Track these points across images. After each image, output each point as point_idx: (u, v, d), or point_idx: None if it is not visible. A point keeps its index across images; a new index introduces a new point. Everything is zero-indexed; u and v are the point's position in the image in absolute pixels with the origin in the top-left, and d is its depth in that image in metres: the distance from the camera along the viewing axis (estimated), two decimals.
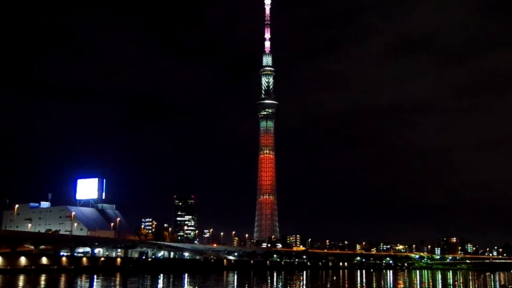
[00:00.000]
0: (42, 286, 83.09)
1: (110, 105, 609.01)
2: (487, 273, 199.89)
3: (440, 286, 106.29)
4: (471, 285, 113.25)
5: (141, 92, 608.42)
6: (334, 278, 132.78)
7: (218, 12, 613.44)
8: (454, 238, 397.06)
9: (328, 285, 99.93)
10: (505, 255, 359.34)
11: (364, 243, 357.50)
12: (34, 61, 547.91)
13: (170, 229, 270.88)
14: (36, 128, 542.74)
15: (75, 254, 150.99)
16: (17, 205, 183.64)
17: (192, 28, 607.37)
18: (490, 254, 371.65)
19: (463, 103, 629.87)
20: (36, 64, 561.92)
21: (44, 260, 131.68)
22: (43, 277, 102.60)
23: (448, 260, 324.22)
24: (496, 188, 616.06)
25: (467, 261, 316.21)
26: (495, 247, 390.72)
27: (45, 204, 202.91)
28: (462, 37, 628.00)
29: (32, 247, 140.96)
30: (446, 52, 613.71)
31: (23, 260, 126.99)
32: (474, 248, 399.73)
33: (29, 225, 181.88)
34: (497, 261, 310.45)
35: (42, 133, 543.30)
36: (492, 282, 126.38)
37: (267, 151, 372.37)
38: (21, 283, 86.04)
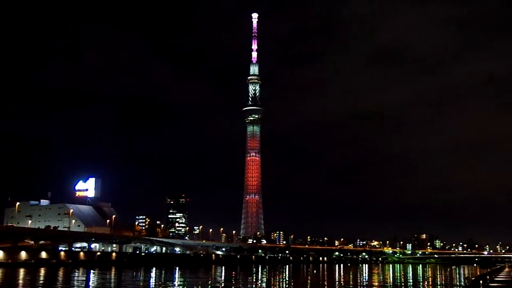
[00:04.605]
0: (41, 279, 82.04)
1: (107, 108, 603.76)
2: (453, 267, 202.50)
3: (411, 278, 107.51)
4: (438, 277, 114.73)
5: (136, 97, 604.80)
6: (315, 271, 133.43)
7: (208, 22, 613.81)
8: (424, 235, 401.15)
9: (309, 278, 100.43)
10: (469, 250, 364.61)
11: (342, 239, 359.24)
12: (35, 66, 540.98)
13: (162, 225, 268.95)
14: (36, 129, 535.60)
15: (73, 249, 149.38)
16: (18, 203, 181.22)
17: (184, 37, 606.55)
18: (456, 249, 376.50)
19: (433, 111, 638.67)
20: (37, 69, 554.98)
21: (44, 254, 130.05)
22: (42, 271, 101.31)
23: (418, 254, 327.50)
24: (462, 189, 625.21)
25: (435, 255, 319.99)
26: (460, 243, 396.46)
27: (44, 202, 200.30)
28: (433, 51, 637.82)
29: (32, 242, 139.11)
30: (419, 64, 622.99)
31: (23, 254, 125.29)
32: (441, 244, 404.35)
33: (30, 221, 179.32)
34: (462, 255, 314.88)
35: (42, 134, 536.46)
36: (457, 275, 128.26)
37: (253, 154, 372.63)
38: (21, 276, 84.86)
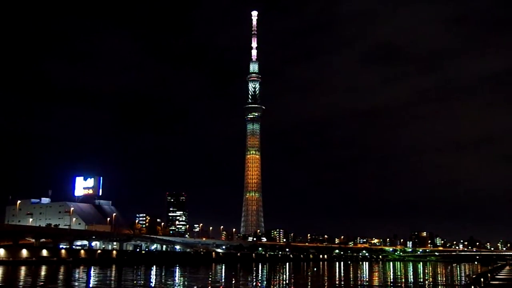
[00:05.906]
0: (43, 277, 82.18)
1: (106, 107, 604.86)
2: (453, 264, 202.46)
3: (411, 276, 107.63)
4: (439, 275, 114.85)
5: (136, 95, 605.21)
6: (315, 269, 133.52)
7: (208, 20, 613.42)
8: (425, 233, 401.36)
9: (309, 276, 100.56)
10: (469, 247, 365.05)
11: (342, 237, 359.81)
12: (35, 64, 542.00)
13: (162, 223, 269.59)
14: (37, 128, 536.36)
15: (74, 247, 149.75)
16: (19, 201, 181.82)
17: (183, 35, 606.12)
18: (457, 247, 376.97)
19: (432, 108, 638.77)
20: (36, 67, 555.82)
21: (45, 252, 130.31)
22: (43, 268, 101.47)
23: (419, 252, 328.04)
24: (462, 187, 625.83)
25: (436, 253, 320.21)
26: (461, 241, 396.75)
27: (45, 200, 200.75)
28: (430, 49, 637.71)
29: (33, 240, 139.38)
30: (416, 62, 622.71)
31: (24, 252, 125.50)
32: (442, 242, 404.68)
33: (31, 219, 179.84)
34: (463, 253, 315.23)
35: (42, 133, 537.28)
36: (458, 273, 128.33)
37: (253, 152, 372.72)
38: (22, 274, 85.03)
